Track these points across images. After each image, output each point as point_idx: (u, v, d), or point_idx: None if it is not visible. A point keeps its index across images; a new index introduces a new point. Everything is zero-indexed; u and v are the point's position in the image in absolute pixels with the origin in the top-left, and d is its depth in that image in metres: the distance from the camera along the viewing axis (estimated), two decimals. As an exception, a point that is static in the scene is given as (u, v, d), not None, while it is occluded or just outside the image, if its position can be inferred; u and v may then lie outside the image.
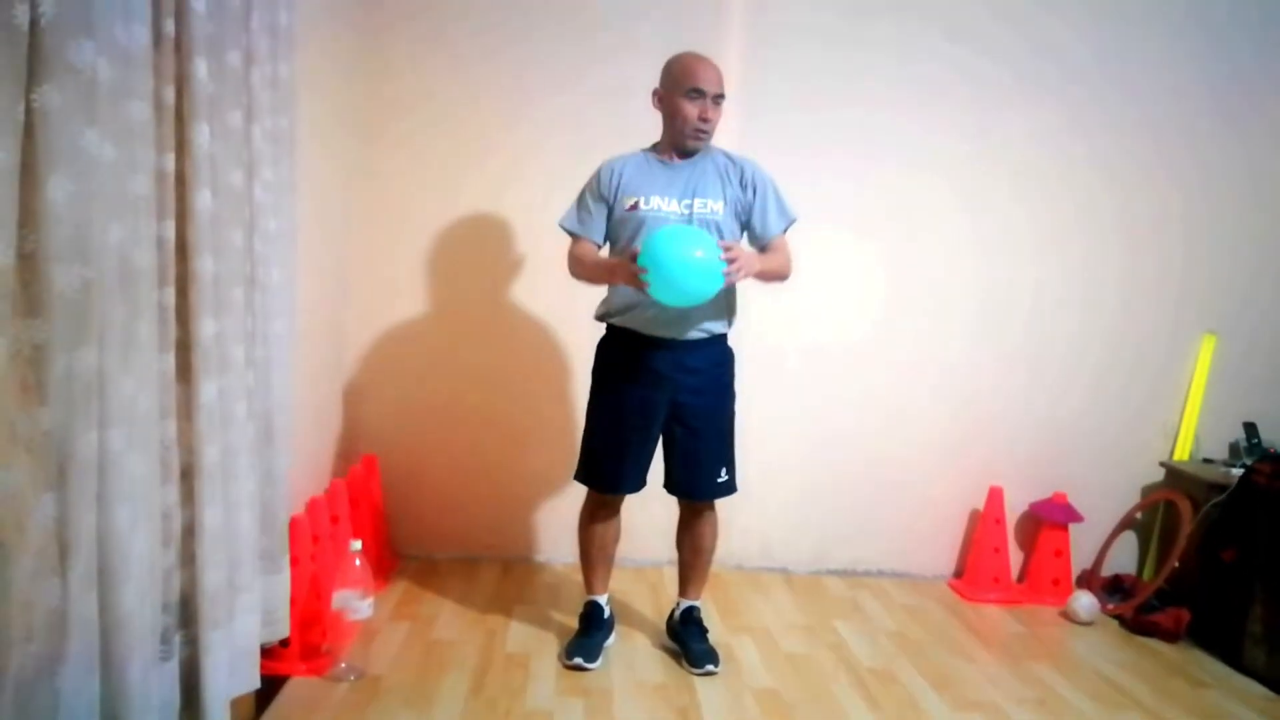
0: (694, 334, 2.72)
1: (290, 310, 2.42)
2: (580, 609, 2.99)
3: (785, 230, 2.81)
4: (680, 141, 2.70)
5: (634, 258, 2.47)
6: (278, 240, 2.30)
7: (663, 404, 2.77)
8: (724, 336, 2.82)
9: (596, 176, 2.76)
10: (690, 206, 2.68)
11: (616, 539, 2.97)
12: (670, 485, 2.89)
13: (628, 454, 2.81)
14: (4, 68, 1.27)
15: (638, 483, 2.87)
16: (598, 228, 2.75)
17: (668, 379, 2.74)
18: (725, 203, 2.70)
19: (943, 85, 3.60)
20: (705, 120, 2.64)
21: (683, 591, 3.02)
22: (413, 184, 3.52)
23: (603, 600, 2.97)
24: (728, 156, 2.78)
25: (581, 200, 2.77)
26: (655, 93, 2.72)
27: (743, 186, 2.75)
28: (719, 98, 2.66)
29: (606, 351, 2.84)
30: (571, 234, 2.78)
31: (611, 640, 2.97)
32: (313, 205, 2.83)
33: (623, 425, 2.80)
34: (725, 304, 2.76)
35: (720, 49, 3.46)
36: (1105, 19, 3.63)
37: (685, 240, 2.47)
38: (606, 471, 2.84)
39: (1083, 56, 3.63)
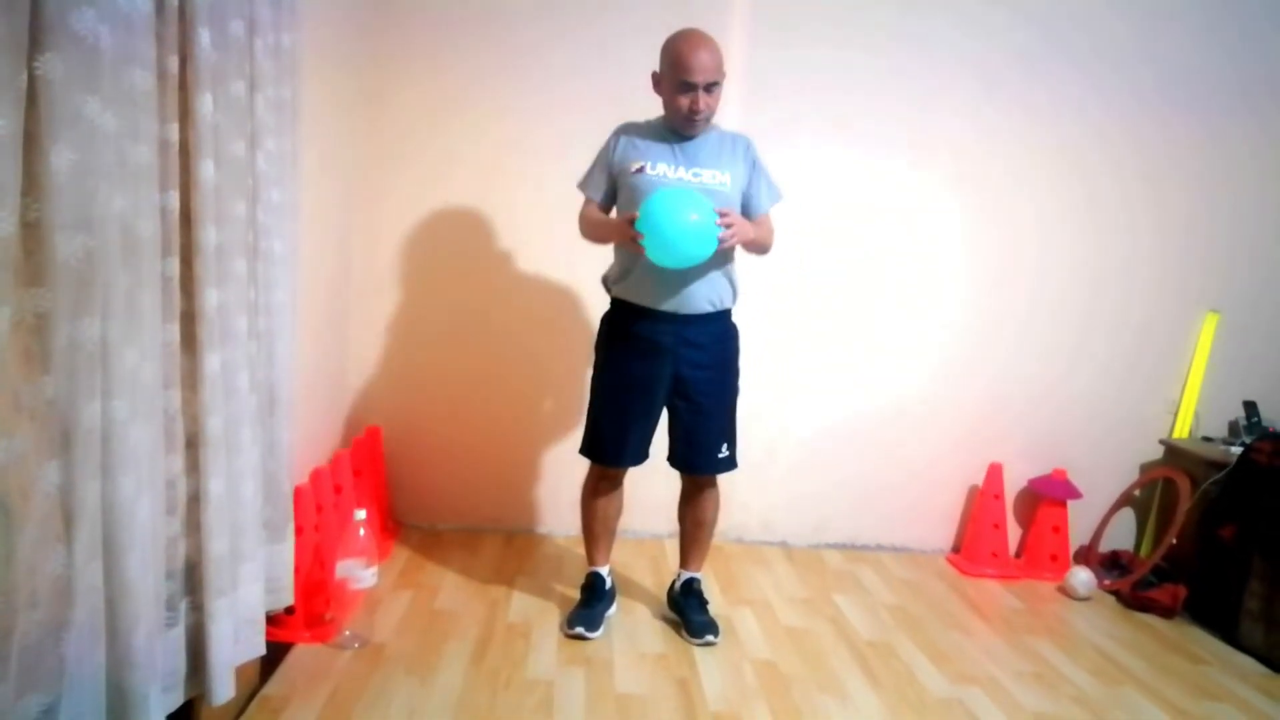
0: (697, 308, 2.72)
1: (293, 281, 2.42)
2: (582, 580, 3.01)
3: (771, 207, 2.84)
4: (676, 127, 2.69)
5: (632, 221, 2.52)
6: (281, 211, 2.29)
7: (665, 377, 2.77)
8: (728, 312, 2.82)
9: (607, 141, 2.78)
10: (699, 175, 2.67)
11: (619, 512, 2.99)
12: (673, 459, 2.90)
13: (630, 427, 2.82)
14: (6, 36, 1.26)
15: (639, 455, 2.88)
16: (599, 187, 2.77)
17: (670, 352, 2.74)
18: (732, 176, 2.70)
19: (944, 68, 3.57)
20: (695, 111, 2.60)
21: (683, 563, 3.04)
22: (419, 154, 3.51)
23: (604, 571, 2.99)
24: (729, 133, 2.79)
25: (596, 161, 2.80)
26: (652, 74, 2.69)
27: (745, 161, 2.75)
28: (712, 85, 2.59)
29: (611, 324, 2.84)
30: (581, 190, 2.81)
31: (613, 610, 3.00)
32: (316, 176, 2.82)
33: (625, 398, 2.81)
34: (727, 279, 2.76)
35: (724, 36, 3.46)
36: (1109, 4, 3.59)
37: (681, 202, 2.50)
38: (609, 444, 2.86)
39: (1084, 37, 3.60)
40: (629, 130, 2.76)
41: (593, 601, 2.94)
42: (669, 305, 2.70)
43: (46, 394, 1.42)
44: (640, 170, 2.67)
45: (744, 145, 2.77)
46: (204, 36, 1.81)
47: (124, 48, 1.53)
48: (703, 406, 2.82)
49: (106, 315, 1.52)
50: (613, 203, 2.79)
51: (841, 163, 3.61)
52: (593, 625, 2.85)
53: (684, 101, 2.59)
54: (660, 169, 2.67)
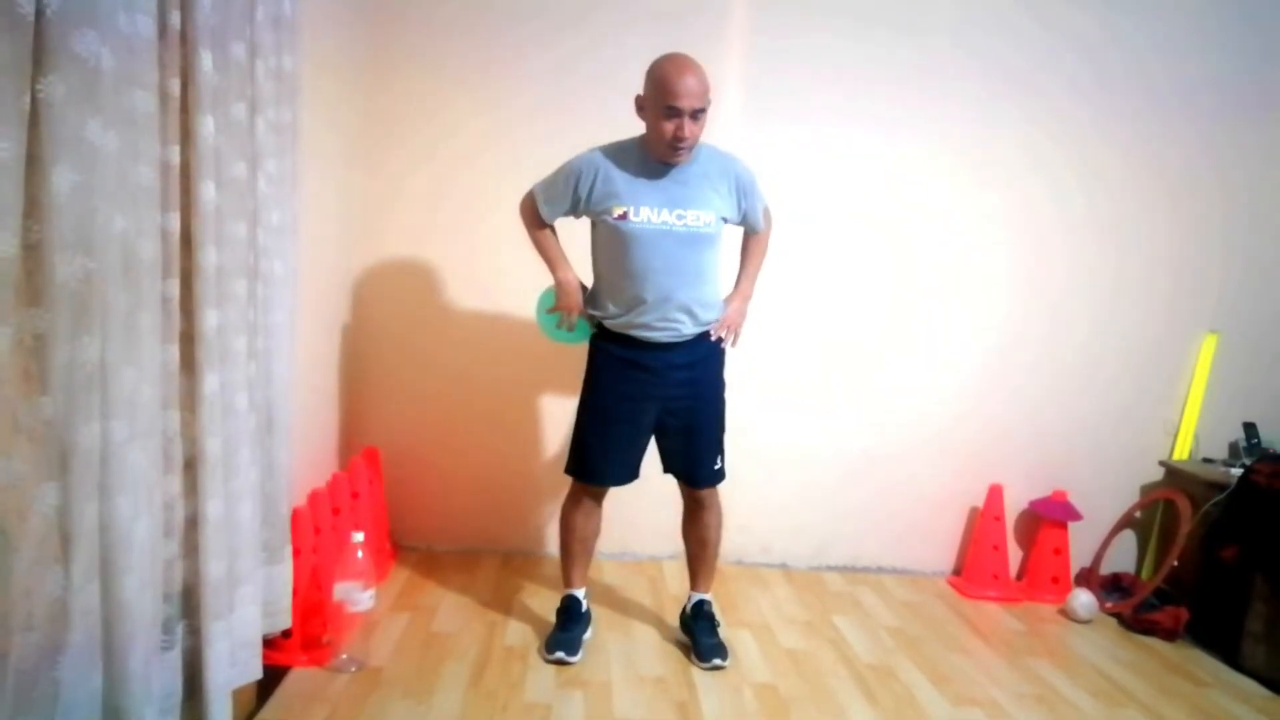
0: (681, 335, 2.74)
1: (292, 302, 2.42)
2: (558, 604, 2.98)
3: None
4: (659, 155, 2.62)
5: (586, 314, 2.77)
6: (281, 232, 2.30)
7: (654, 399, 2.78)
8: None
9: (579, 170, 2.68)
10: (682, 217, 2.64)
11: (597, 532, 2.97)
12: (670, 470, 2.90)
13: (616, 446, 2.82)
14: (9, 58, 1.27)
15: (629, 474, 2.87)
16: (556, 210, 2.75)
17: (659, 375, 2.75)
18: (715, 214, 2.68)
19: (948, 83, 3.59)
20: (680, 139, 2.53)
21: (692, 584, 3.02)
22: (417, 176, 3.52)
23: (580, 594, 2.97)
24: (714, 158, 2.73)
25: (558, 177, 2.73)
26: (636, 98, 2.63)
27: (733, 191, 2.74)
28: (699, 112, 2.53)
29: (599, 347, 2.83)
30: (533, 196, 2.79)
31: (589, 634, 2.97)
32: (315, 197, 2.83)
33: (612, 418, 2.80)
34: (707, 303, 2.77)
35: (723, 35, 3.48)
36: (1120, 12, 3.61)
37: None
38: (594, 463, 2.84)
39: (1083, 56, 3.62)
40: (607, 158, 2.67)
41: (569, 625, 2.90)
42: (662, 336, 2.72)
43: (45, 414, 1.41)
44: (624, 216, 2.63)
45: (732, 174, 2.72)
46: (205, 59, 1.82)
47: (126, 70, 1.54)
48: (693, 424, 2.82)
49: (105, 336, 1.52)
50: (567, 215, 2.77)
51: (842, 186, 3.63)
52: (572, 650, 2.82)
53: (669, 127, 2.52)
54: (644, 214, 2.62)
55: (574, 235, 2.85)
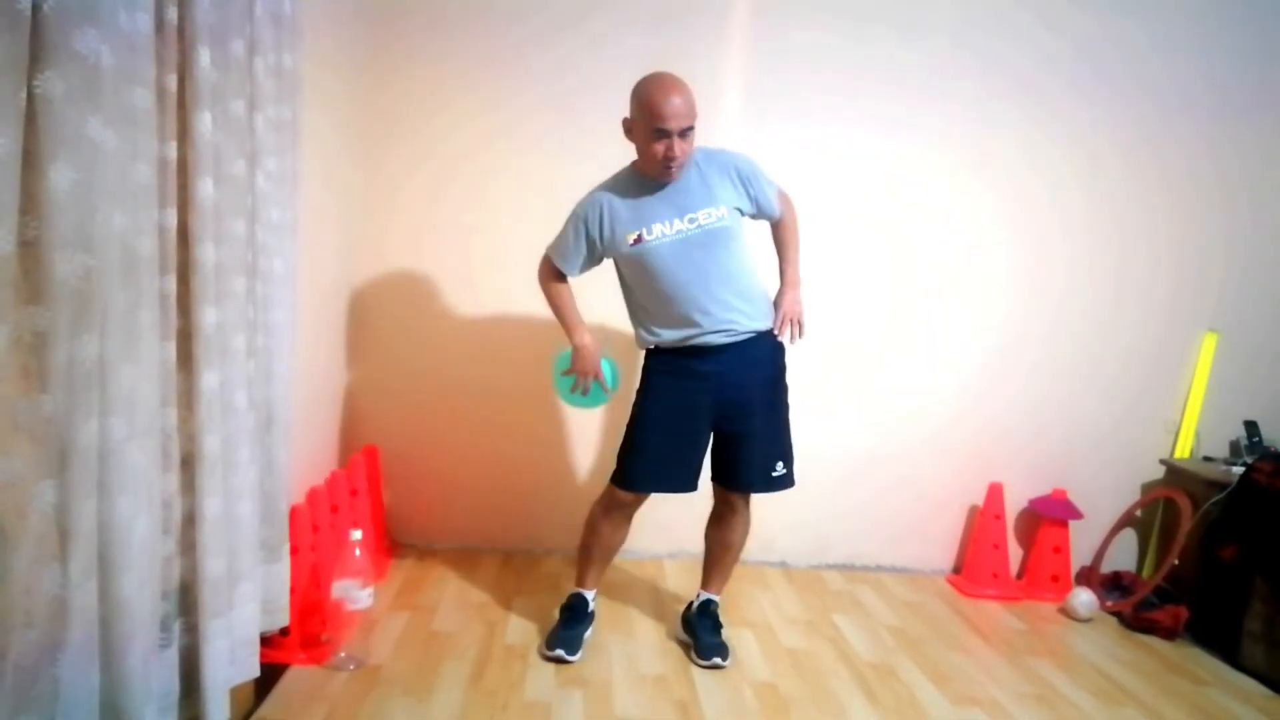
0: (742, 324, 2.71)
1: (291, 300, 2.42)
2: (565, 599, 2.97)
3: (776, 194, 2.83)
4: (653, 176, 2.62)
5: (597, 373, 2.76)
6: (280, 230, 2.30)
7: (708, 407, 2.74)
8: (767, 333, 2.79)
9: (584, 214, 2.70)
10: (694, 220, 2.63)
11: (622, 542, 2.94)
12: (716, 475, 2.87)
13: (665, 458, 2.76)
14: (6, 54, 1.26)
15: (681, 484, 2.80)
16: (575, 263, 2.74)
17: (713, 380, 2.71)
18: (726, 206, 2.67)
19: (946, 83, 3.59)
20: (671, 159, 2.54)
21: (705, 584, 3.01)
22: (416, 174, 3.52)
23: (590, 595, 2.96)
24: (709, 159, 2.70)
25: (567, 231, 2.74)
26: (624, 121, 2.61)
27: (737, 183, 2.71)
28: (687, 130, 2.52)
29: (654, 370, 2.80)
30: (549, 259, 2.79)
31: (589, 633, 2.96)
32: (315, 195, 2.83)
33: (663, 429, 2.75)
34: (752, 299, 2.74)
35: (723, 35, 3.48)
36: (1120, 13, 3.61)
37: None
38: (640, 471, 2.78)
39: (1083, 57, 3.62)
40: (606, 194, 2.68)
41: (573, 623, 2.90)
42: (717, 339, 2.69)
43: (44, 412, 1.41)
44: (639, 240, 2.62)
45: (730, 167, 2.70)
46: (204, 56, 1.82)
47: (124, 67, 1.53)
48: (749, 428, 2.78)
49: (105, 333, 1.52)
50: (590, 266, 2.77)
51: (842, 186, 3.62)
52: (573, 648, 2.81)
53: (659, 149, 2.52)
54: (657, 231, 2.62)
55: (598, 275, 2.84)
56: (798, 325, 2.85)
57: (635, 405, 2.83)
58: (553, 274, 2.80)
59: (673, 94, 2.50)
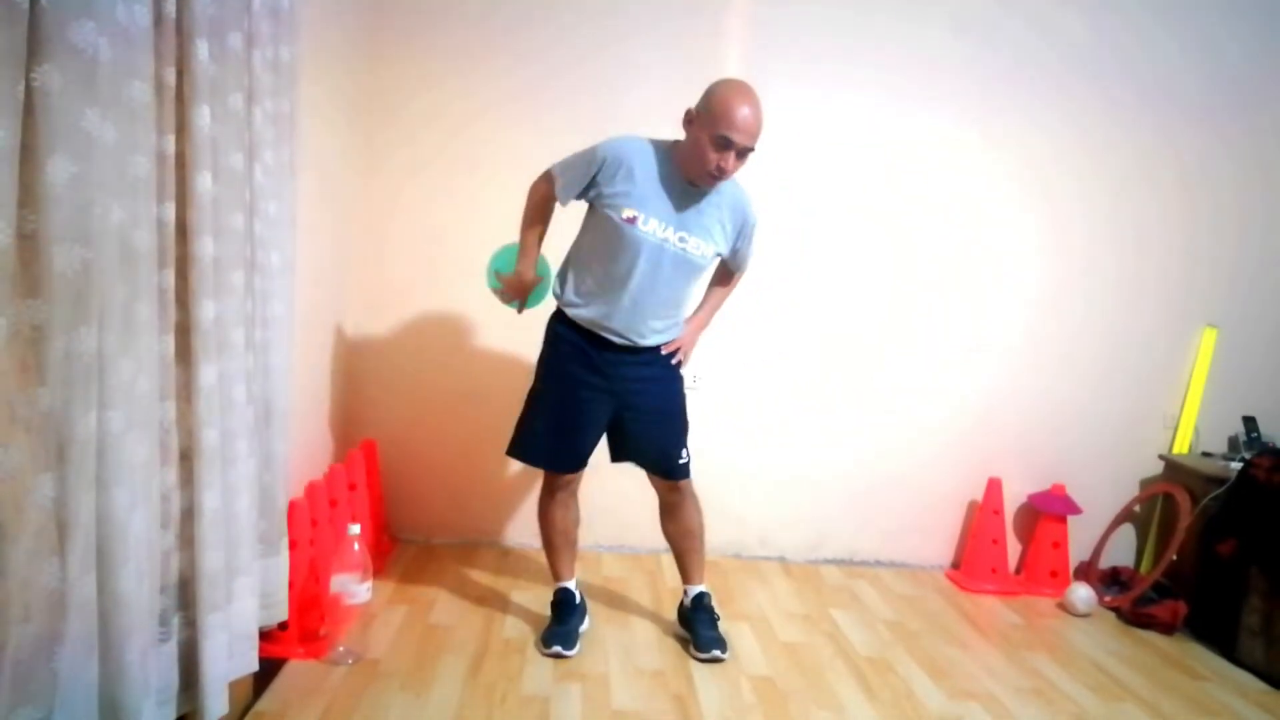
0: (648, 341, 2.73)
1: (290, 294, 2.42)
2: (551, 598, 2.99)
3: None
4: (691, 175, 2.56)
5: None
6: (278, 224, 2.29)
7: (608, 393, 2.75)
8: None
9: (606, 156, 2.58)
10: (685, 241, 2.62)
11: (576, 523, 2.97)
12: (639, 463, 2.89)
13: (561, 432, 2.79)
14: (4, 47, 1.26)
15: (572, 462, 2.84)
16: (572, 191, 2.64)
17: (617, 376, 2.73)
18: (714, 248, 2.69)
19: (944, 82, 3.59)
20: (721, 171, 2.49)
21: (685, 578, 3.01)
22: (414, 169, 3.51)
23: (572, 585, 2.97)
24: (734, 190, 2.69)
25: (579, 160, 2.63)
26: (688, 112, 2.53)
27: (736, 232, 2.74)
28: (745, 151, 2.47)
29: (556, 333, 2.78)
30: (550, 178, 2.69)
31: (586, 625, 2.97)
32: (313, 189, 2.82)
33: (559, 403, 2.77)
34: (675, 330, 2.80)
35: (722, 34, 3.47)
36: (1111, 10, 3.61)
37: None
38: (535, 445, 2.82)
39: (1083, 50, 3.62)
40: (635, 154, 2.58)
41: (565, 618, 2.91)
42: (621, 338, 2.71)
43: (42, 405, 1.41)
44: (632, 220, 2.57)
45: (742, 214, 2.72)
46: (202, 49, 1.81)
47: (122, 60, 1.53)
48: (657, 421, 2.82)
49: (103, 327, 1.51)
50: (579, 199, 2.69)
51: (842, 179, 3.62)
52: (569, 643, 2.82)
53: (714, 157, 2.45)
54: (652, 225, 2.58)
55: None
56: (685, 356, 2.88)
57: (537, 377, 2.84)
58: (545, 192, 2.72)
59: (748, 105, 2.44)
